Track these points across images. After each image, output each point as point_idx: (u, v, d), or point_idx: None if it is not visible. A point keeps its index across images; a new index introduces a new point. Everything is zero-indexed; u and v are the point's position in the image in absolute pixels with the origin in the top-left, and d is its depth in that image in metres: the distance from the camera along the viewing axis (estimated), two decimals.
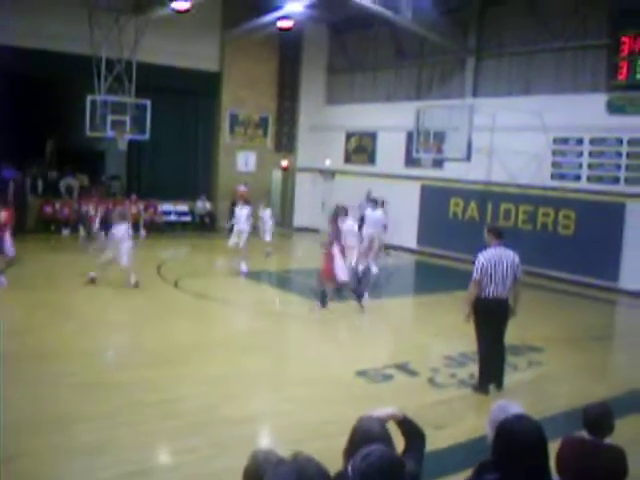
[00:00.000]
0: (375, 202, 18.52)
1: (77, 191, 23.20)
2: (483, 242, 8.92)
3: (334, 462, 2.82)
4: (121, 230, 14.37)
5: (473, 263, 8.74)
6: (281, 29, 22.78)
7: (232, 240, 16.87)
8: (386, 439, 3.28)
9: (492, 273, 8.48)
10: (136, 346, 10.44)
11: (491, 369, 8.76)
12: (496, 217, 19.11)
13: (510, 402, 3.89)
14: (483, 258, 8.58)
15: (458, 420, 7.79)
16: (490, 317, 8.64)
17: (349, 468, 2.88)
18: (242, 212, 17.04)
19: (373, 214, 17.75)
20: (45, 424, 7.07)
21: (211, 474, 6.19)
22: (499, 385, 8.76)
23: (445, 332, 12.20)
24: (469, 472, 3.68)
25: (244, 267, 16.57)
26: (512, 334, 9.23)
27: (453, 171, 20.34)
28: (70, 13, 19.95)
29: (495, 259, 8.54)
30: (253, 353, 10.34)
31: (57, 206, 21.65)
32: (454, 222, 20.47)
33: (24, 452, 6.39)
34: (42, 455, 6.39)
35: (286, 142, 26.68)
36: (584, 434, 4.50)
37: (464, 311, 8.80)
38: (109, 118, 20.40)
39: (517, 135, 18.59)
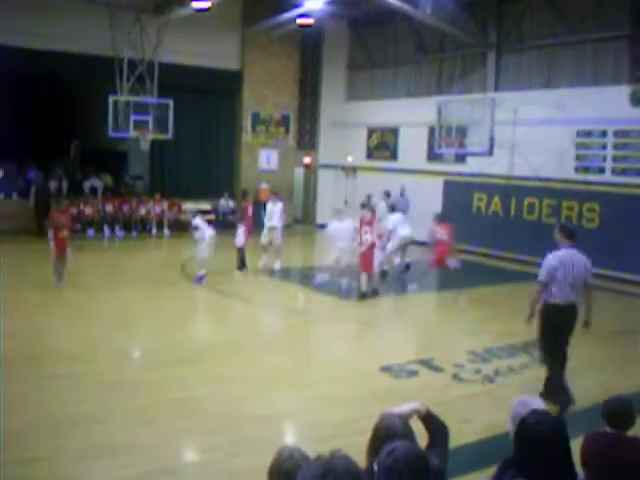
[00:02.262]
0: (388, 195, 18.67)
1: (101, 191, 23.42)
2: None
3: (357, 459, 2.83)
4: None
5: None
6: (301, 26, 22.79)
7: (264, 238, 16.77)
8: (408, 435, 3.30)
9: (562, 276, 7.93)
10: (160, 345, 10.50)
11: (563, 380, 8.23)
12: (520, 211, 18.99)
13: (532, 397, 3.89)
14: (553, 259, 8.02)
15: (483, 415, 7.77)
16: (559, 323, 8.14)
17: (374, 465, 2.90)
18: (275, 208, 16.76)
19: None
20: (70, 423, 7.16)
21: (235, 472, 6.22)
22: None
23: (469, 328, 12.19)
24: (494, 469, 3.68)
25: (278, 265, 16.66)
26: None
27: (476, 165, 20.25)
28: (91, 14, 20.12)
29: (566, 261, 7.96)
30: (277, 351, 10.38)
31: (82, 207, 21.83)
32: (477, 217, 20.37)
33: (49, 451, 6.47)
34: (67, 454, 6.46)
35: (308, 139, 26.72)
36: (607, 428, 4.48)
37: (527, 313, 8.32)
38: (132, 118, 20.58)
39: (539, 128, 18.46)
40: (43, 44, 19.73)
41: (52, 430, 6.98)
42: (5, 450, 6.43)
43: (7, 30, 19.03)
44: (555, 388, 8.21)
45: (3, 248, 17.86)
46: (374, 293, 14.17)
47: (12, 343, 9.83)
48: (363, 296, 13.90)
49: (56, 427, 7.05)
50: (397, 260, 16.74)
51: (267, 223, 16.77)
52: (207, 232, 14.74)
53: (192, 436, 7.21)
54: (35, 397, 7.84)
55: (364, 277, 13.94)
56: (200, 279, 14.64)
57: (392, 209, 15.74)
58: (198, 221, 14.98)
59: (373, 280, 14.33)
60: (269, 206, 17.00)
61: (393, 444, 2.88)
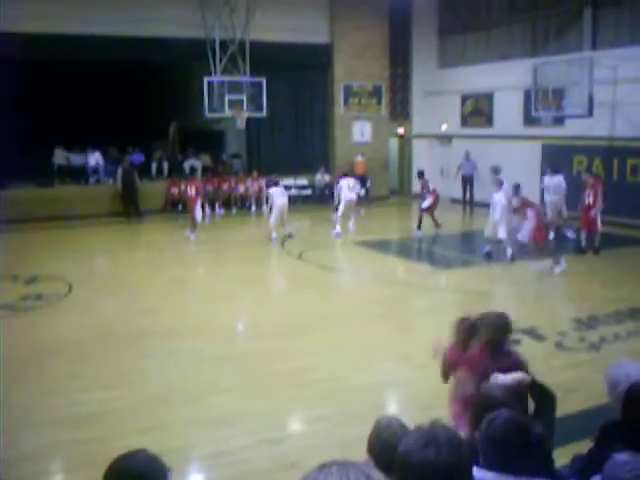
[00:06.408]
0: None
1: (201, 171, 23.98)
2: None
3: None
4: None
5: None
6: None
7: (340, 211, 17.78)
8: (510, 405, 3.34)
9: None
10: (266, 318, 10.83)
11: None
12: (623, 174, 18.37)
13: (633, 361, 3.82)
14: None
15: (588, 385, 7.66)
16: None
17: (476, 434, 2.96)
18: (348, 182, 17.90)
19: (551, 180, 16.87)
20: (180, 397, 7.52)
21: (342, 441, 6.39)
22: None
23: (571, 296, 11.97)
24: None
25: (351, 227, 17.86)
26: None
27: (575, 128, 19.65)
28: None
29: None
30: (378, 322, 10.50)
31: (183, 187, 22.42)
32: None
33: (166, 422, 6.82)
34: (178, 426, 6.78)
35: (400, 109, 26.54)
36: None
37: None
38: (226, 98, 20.96)
39: None
40: (140, 31, 20.30)
41: (169, 402, 7.37)
42: (127, 421, 6.85)
43: (106, 21, 19.82)
44: None
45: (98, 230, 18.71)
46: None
47: (135, 320, 10.39)
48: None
49: (173, 399, 7.44)
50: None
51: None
52: (278, 201, 16.55)
53: (299, 406, 7.45)
54: (148, 372, 8.26)
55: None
56: (274, 239, 16.82)
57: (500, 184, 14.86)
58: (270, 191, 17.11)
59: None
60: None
61: (494, 413, 2.93)
